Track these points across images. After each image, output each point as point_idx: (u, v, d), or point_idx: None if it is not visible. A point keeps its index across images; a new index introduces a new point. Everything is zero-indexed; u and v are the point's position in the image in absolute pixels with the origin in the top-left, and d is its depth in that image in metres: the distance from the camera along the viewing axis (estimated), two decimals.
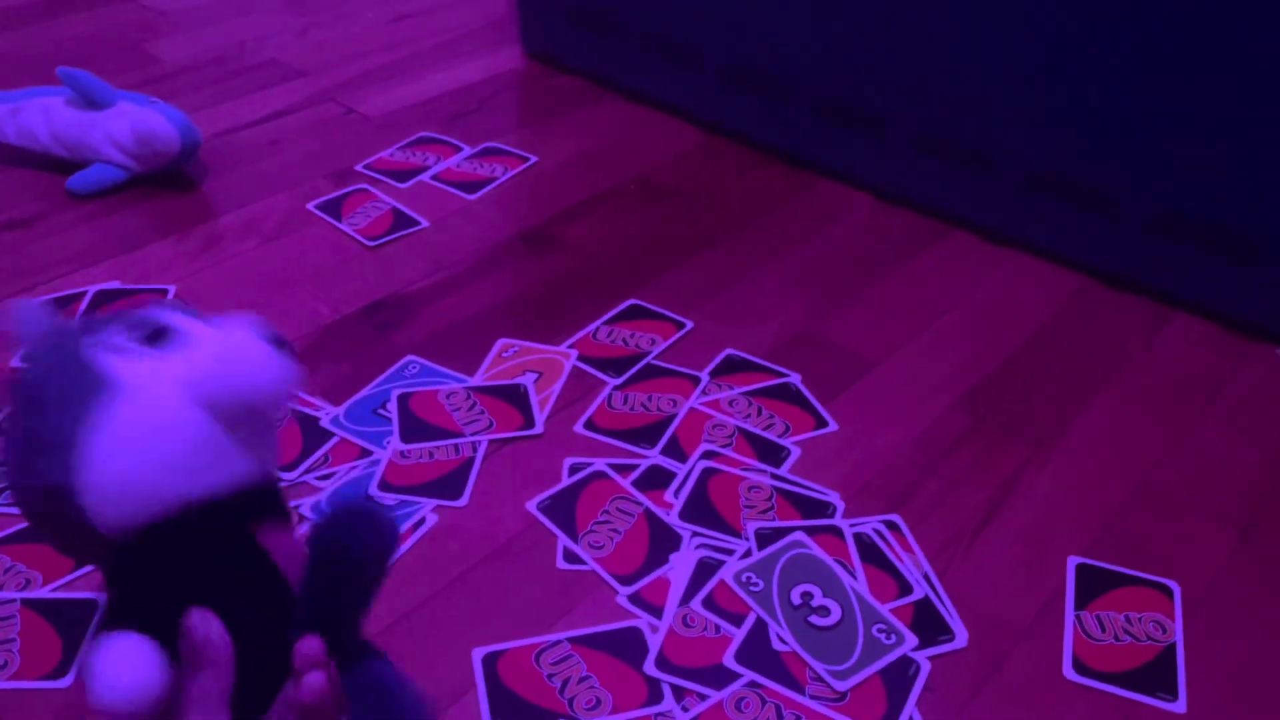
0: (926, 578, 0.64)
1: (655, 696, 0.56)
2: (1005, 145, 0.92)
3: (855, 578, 0.63)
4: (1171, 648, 0.60)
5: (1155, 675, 0.59)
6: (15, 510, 0.65)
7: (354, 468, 0.70)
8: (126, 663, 0.36)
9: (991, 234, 0.97)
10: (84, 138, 0.99)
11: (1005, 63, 0.89)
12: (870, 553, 0.65)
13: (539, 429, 0.74)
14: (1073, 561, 0.66)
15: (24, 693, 0.56)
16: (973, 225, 0.98)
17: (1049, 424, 0.77)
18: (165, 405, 0.39)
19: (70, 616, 0.60)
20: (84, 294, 0.86)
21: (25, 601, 0.61)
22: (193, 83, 1.22)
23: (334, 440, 0.72)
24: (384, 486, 0.69)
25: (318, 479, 0.69)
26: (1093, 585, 0.64)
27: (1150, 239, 0.87)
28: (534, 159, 1.09)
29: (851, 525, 0.67)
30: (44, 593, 0.61)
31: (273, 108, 1.17)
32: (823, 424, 0.76)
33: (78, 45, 1.32)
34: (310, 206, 0.99)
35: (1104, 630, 0.61)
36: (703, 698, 0.56)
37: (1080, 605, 0.63)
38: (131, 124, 0.96)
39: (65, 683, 0.56)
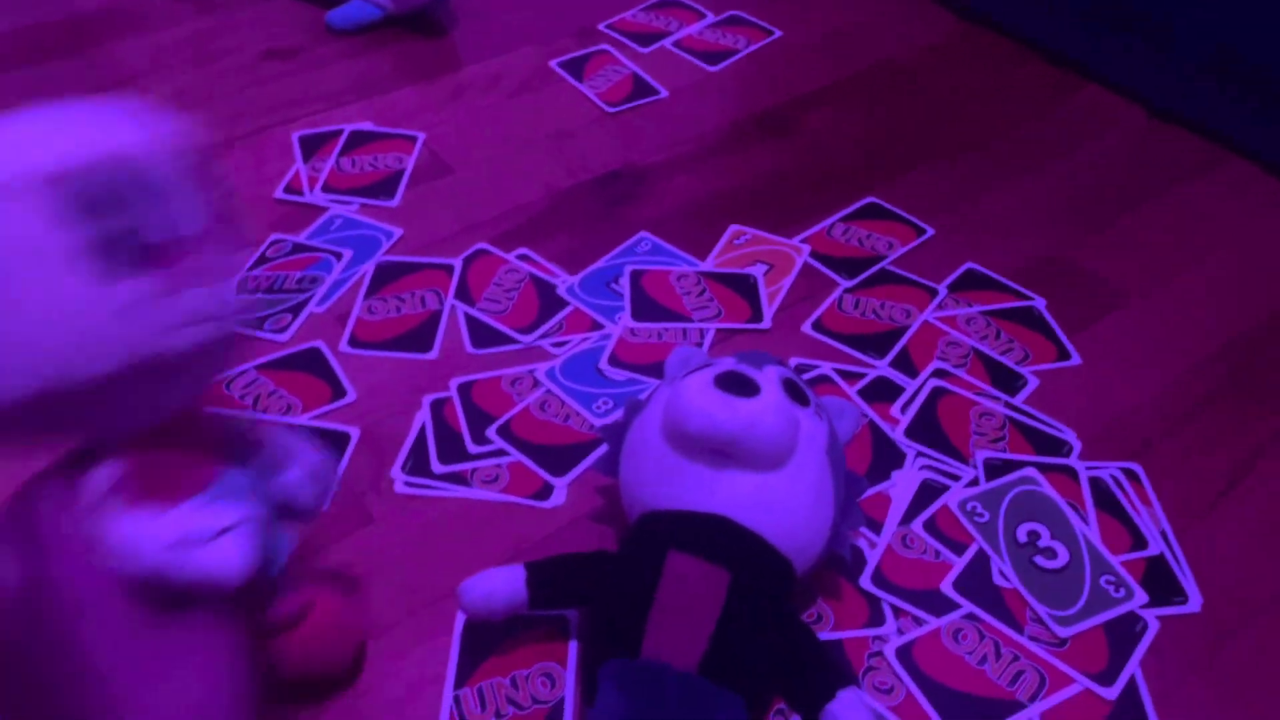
0: (1164, 535, 0.61)
1: (876, 617, 0.56)
2: None
3: (1087, 523, 0.61)
4: None
5: None
6: (278, 337, 0.71)
7: (586, 339, 0.72)
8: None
9: (1278, 168, 0.88)
10: None
11: None
12: (1105, 500, 0.63)
13: (766, 324, 0.74)
14: None
15: None
16: (1257, 155, 0.89)
17: None
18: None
19: (326, 443, 0.64)
20: (340, 132, 0.89)
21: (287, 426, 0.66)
22: None
23: (568, 309, 0.74)
24: (614, 361, 0.70)
25: (552, 345, 0.71)
26: None
27: None
28: (778, 33, 1.04)
29: (1088, 468, 0.64)
30: (304, 419, 0.66)
31: None
32: (1065, 356, 0.72)
33: None
34: (553, 64, 0.99)
35: None
36: (920, 622, 0.56)
37: None
38: None
39: None
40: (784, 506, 0.50)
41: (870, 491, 0.63)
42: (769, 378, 0.52)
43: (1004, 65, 1.01)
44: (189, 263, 0.36)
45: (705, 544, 0.49)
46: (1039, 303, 0.76)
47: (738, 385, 0.50)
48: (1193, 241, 0.82)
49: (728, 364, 0.53)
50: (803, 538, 0.51)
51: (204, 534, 0.38)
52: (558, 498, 0.62)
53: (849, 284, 0.77)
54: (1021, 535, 0.60)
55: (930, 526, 0.61)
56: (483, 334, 0.72)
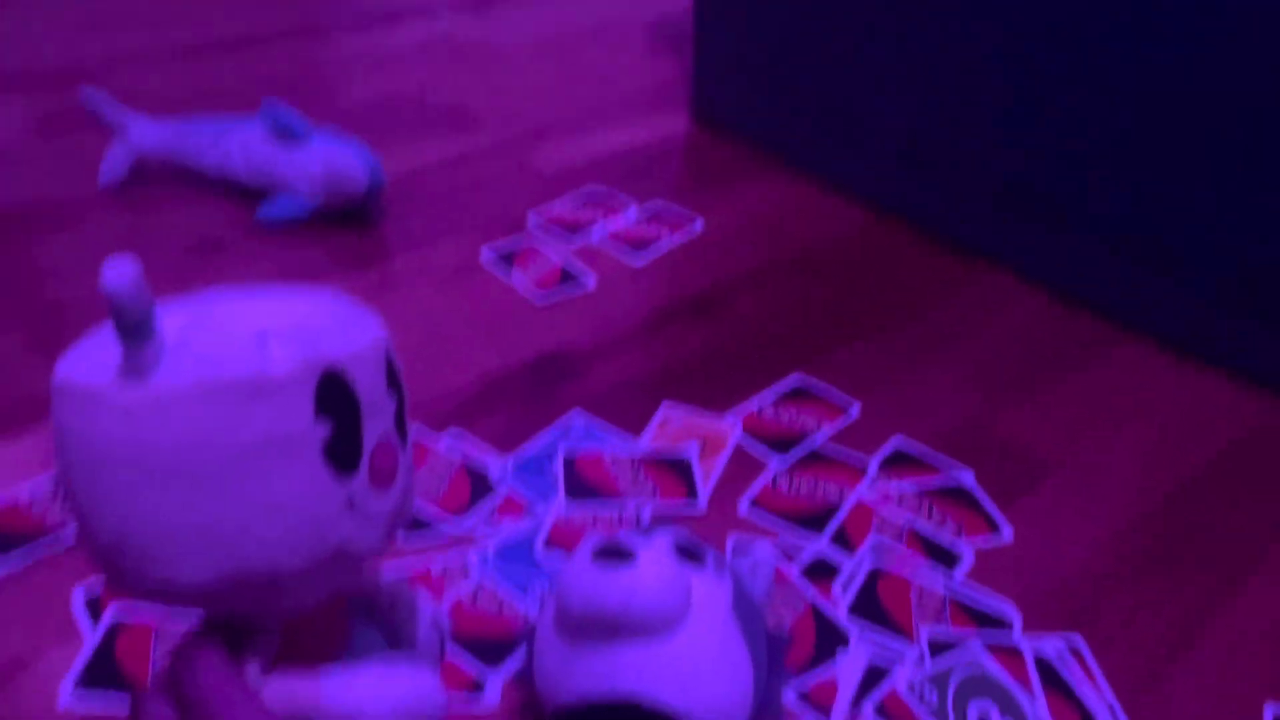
0: (1111, 710, 0.60)
1: None
2: (1200, 249, 0.88)
3: (1034, 701, 0.60)
4: None
5: None
6: None
7: (519, 524, 0.70)
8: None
9: (1175, 343, 0.93)
10: (276, 168, 1.03)
11: (1202, 159, 0.85)
12: (1051, 677, 0.62)
13: (702, 505, 0.73)
14: (1270, 710, 0.61)
15: None
16: (1154, 331, 0.94)
17: (1244, 553, 0.72)
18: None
19: None
20: None
21: None
22: (372, 123, 1.27)
23: (501, 493, 0.73)
24: (549, 545, 0.69)
25: (485, 527, 0.69)
26: None
27: None
28: (700, 225, 1.09)
29: (1031, 643, 0.64)
30: None
31: (450, 153, 1.20)
32: (996, 529, 0.73)
33: (266, 79, 1.39)
34: (482, 256, 1.01)
35: None
36: None
37: None
38: (324, 159, 1.00)
39: None
40: (687, 672, 0.48)
41: (817, 674, 0.61)
42: (656, 544, 0.50)
43: (912, 252, 1.06)
44: (392, 460, 0.37)
45: None
46: (967, 478, 0.77)
47: (613, 556, 0.48)
48: (1105, 414, 0.85)
49: (611, 537, 0.51)
50: (717, 701, 0.48)
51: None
52: (491, 696, 0.59)
53: (782, 463, 0.78)
54: (972, 715, 0.59)
55: (881, 710, 0.59)
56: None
